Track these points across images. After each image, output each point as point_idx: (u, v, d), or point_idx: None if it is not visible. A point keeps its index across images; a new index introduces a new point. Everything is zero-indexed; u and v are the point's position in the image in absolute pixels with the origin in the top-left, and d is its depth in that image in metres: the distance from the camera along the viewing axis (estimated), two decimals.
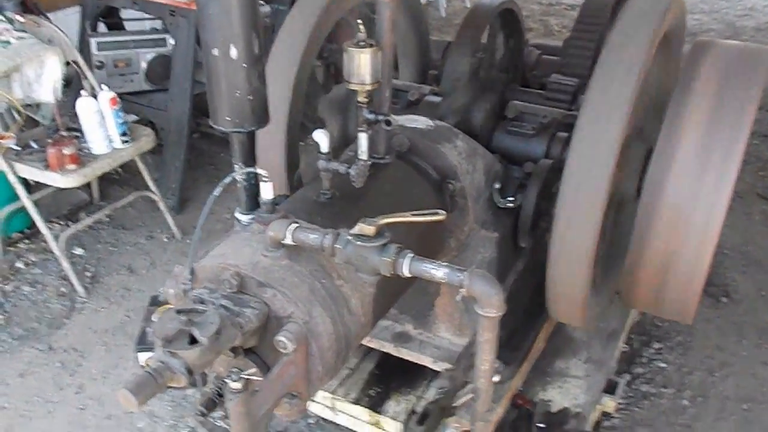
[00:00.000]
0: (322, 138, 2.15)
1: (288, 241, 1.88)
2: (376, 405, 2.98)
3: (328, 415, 3.09)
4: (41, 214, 4.11)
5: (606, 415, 3.27)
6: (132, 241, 4.69)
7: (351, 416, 3.01)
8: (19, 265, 4.42)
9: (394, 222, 1.81)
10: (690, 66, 2.51)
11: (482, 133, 3.05)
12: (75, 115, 4.05)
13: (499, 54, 3.62)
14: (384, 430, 2.95)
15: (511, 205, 2.78)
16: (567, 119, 3.06)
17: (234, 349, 1.90)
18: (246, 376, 1.69)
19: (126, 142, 4.14)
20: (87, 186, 4.84)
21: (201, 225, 1.96)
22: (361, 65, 2.19)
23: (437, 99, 3.16)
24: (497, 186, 2.79)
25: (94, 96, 4.04)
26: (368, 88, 2.23)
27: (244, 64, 1.97)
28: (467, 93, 3.10)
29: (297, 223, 1.90)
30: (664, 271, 2.51)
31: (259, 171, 1.99)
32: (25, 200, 4.05)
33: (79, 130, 4.07)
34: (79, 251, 4.54)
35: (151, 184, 4.52)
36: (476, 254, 2.79)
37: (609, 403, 3.15)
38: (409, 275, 1.78)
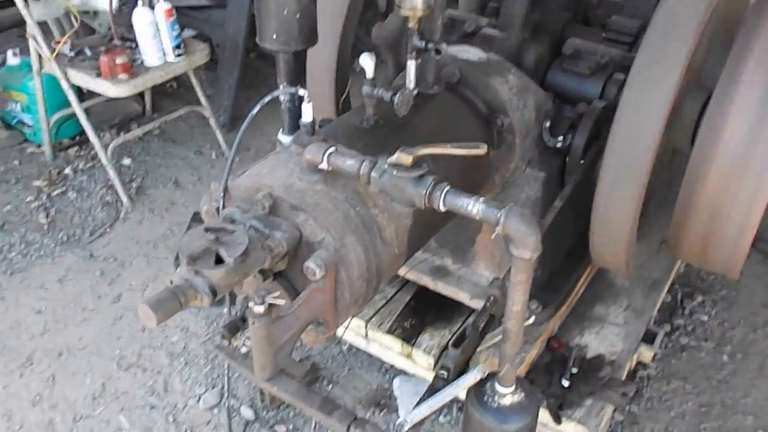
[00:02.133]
0: (367, 62, 2.08)
1: (324, 165, 1.84)
2: (409, 337, 2.96)
3: (360, 343, 3.09)
4: (92, 122, 4.14)
5: (642, 364, 3.22)
6: (180, 155, 4.71)
7: (383, 346, 3.01)
8: (68, 171, 4.49)
9: (432, 153, 1.75)
10: (759, 2, 2.36)
11: (537, 71, 2.94)
12: (132, 26, 4.03)
13: None
14: (416, 362, 2.94)
15: (559, 144, 2.69)
16: (625, 61, 2.92)
17: (263, 272, 1.89)
18: (271, 301, 1.67)
19: (179, 55, 4.13)
20: (140, 97, 4.87)
21: (238, 142, 1.93)
22: None
23: (494, 32, 3.05)
24: (547, 124, 2.69)
25: (152, 7, 4.00)
26: (419, 14, 2.15)
27: None
28: (524, 28, 2.98)
29: (334, 147, 1.85)
30: (713, 222, 2.41)
31: (301, 91, 1.94)
32: (76, 107, 4.09)
33: (134, 41, 4.06)
34: (127, 161, 4.58)
35: (203, 99, 4.50)
36: (521, 192, 2.72)
37: (646, 353, 3.09)
38: (443, 209, 1.73)
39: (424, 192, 1.73)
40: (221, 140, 4.64)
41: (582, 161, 2.70)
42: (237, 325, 1.93)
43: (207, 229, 1.74)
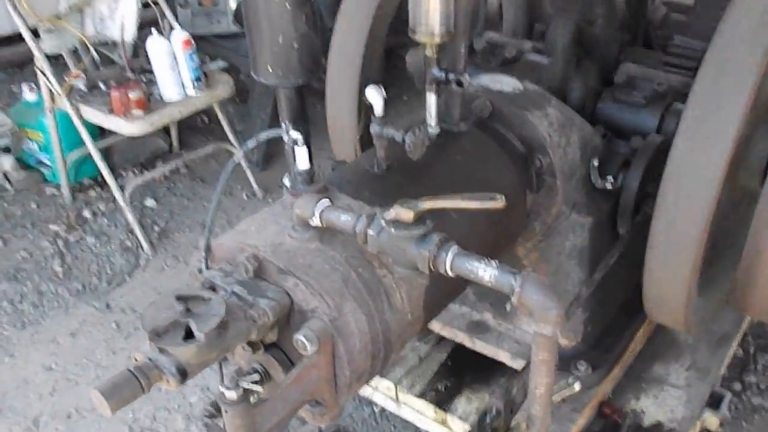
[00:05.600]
0: (375, 97, 1.81)
1: (315, 221, 1.57)
2: (444, 401, 2.66)
3: (391, 406, 2.79)
4: (116, 161, 3.94)
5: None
6: (209, 196, 4.43)
7: (416, 410, 2.71)
8: (87, 214, 4.23)
9: (438, 207, 1.47)
10: None
11: (585, 101, 2.63)
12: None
13: (620, 8, 3.15)
14: (451, 429, 2.63)
15: (609, 186, 2.37)
16: (687, 89, 2.60)
17: (252, 344, 1.63)
18: (247, 386, 1.41)
19: (200, 89, 3.88)
20: (166, 133, 4.62)
21: (218, 194, 1.69)
22: (430, 11, 1.83)
23: (539, 58, 2.76)
24: (595, 163, 2.37)
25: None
26: (438, 40, 1.87)
27: (288, 4, 1.65)
28: (571, 53, 2.68)
29: (328, 200, 1.58)
30: None
31: (293, 133, 1.68)
32: (90, 146, 3.87)
33: (153, 73, 3.85)
34: (150, 203, 4.33)
35: (231, 136, 4.27)
36: (565, 241, 2.41)
37: (711, 419, 2.71)
38: (452, 274, 1.44)
39: (428, 254, 1.44)
40: (252, 180, 4.38)
41: (636, 204, 2.38)
42: None
43: (178, 297, 1.50)
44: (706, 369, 2.78)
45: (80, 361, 3.34)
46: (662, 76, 2.61)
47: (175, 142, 4.74)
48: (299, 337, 1.51)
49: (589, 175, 2.38)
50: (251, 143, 1.71)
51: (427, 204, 1.44)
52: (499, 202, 1.48)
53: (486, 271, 1.38)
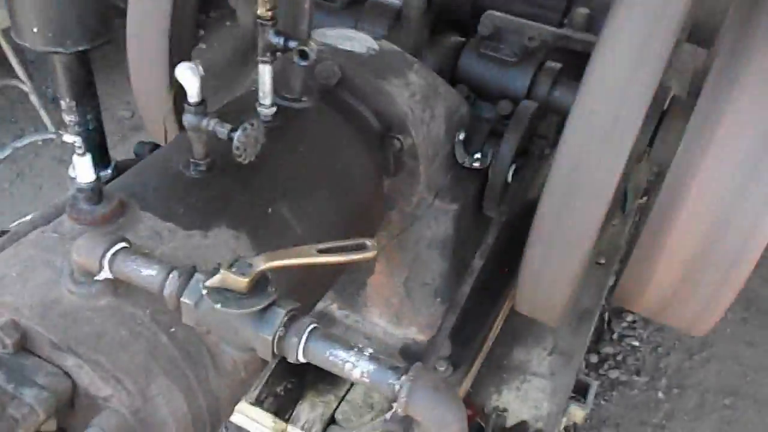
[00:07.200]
0: (188, 77, 1.31)
1: (105, 274, 1.09)
2: (284, 408, 2.27)
3: None
4: None
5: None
6: None
7: (251, 419, 2.30)
8: None
9: (282, 265, 1.02)
10: None
11: (445, 56, 2.23)
12: None
13: None
14: None
15: (477, 165, 2.00)
16: (560, 41, 2.26)
17: None
18: None
19: None
20: None
21: None
22: None
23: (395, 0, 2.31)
24: (461, 137, 1.99)
25: None
26: None
27: None
28: None
29: (123, 242, 1.10)
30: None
31: (67, 137, 1.17)
32: None
33: None
34: None
35: (18, 66, 3.53)
36: (425, 230, 2.03)
37: (578, 413, 2.48)
38: (303, 361, 1.02)
39: (271, 338, 1.01)
40: (46, 119, 3.65)
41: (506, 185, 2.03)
42: None
43: None
44: (569, 352, 2.55)
45: None
46: (534, 28, 2.23)
47: None
48: None
49: (453, 152, 2.00)
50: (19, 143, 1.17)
51: (267, 263, 1.00)
52: (369, 251, 1.05)
53: (357, 365, 0.97)
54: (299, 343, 1.00)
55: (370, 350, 0.98)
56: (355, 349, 0.98)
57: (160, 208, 1.31)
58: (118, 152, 1.69)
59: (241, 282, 0.98)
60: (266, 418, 2.26)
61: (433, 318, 2.21)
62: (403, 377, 0.94)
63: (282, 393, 2.31)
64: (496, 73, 2.20)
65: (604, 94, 1.60)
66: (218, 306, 0.98)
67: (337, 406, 2.28)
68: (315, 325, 1.01)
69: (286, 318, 1.00)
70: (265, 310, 1.00)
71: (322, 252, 1.01)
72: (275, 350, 1.01)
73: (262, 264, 0.99)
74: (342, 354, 0.98)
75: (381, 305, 2.26)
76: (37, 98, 3.65)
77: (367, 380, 0.96)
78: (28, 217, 1.55)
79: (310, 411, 2.27)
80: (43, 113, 3.66)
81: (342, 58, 1.80)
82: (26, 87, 3.60)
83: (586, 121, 1.62)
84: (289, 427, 2.24)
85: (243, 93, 1.73)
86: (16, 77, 3.57)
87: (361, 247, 1.04)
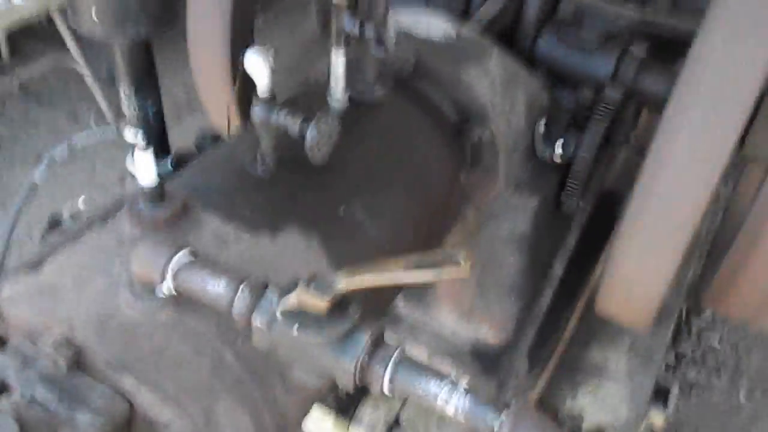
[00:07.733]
0: (259, 67, 1.20)
1: (166, 289, 0.99)
2: (345, 409, 2.17)
3: None
4: None
5: None
6: (47, 121, 3.61)
7: (313, 420, 2.22)
8: None
9: (366, 286, 0.91)
10: None
11: (522, 39, 2.10)
12: None
13: None
14: None
15: (558, 159, 1.87)
16: (643, 26, 2.11)
17: None
18: None
19: None
20: None
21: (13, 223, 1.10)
22: None
23: None
24: (541, 128, 1.86)
25: None
26: None
27: None
28: None
29: (188, 252, 1.00)
30: None
31: (128, 136, 1.08)
32: None
33: None
34: None
35: (74, 49, 3.46)
36: (502, 226, 1.90)
37: (657, 418, 2.34)
38: (389, 394, 0.91)
39: (354, 366, 0.90)
40: (101, 100, 3.59)
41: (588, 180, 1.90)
42: None
43: None
44: (647, 351, 2.40)
45: None
46: (616, 10, 2.08)
47: (4, 53, 3.79)
48: None
49: (533, 143, 1.87)
50: (58, 153, 1.10)
51: (348, 282, 0.88)
52: (463, 268, 0.93)
53: (450, 399, 0.86)
54: (384, 374, 0.88)
55: (465, 383, 0.86)
56: (448, 381, 0.86)
57: (223, 210, 1.21)
58: (174, 134, 1.59)
59: (321, 305, 0.87)
60: (326, 419, 2.18)
61: (506, 316, 2.09)
62: (503, 415, 0.83)
63: (344, 395, 2.22)
64: (577, 58, 2.06)
65: (711, 78, 1.45)
66: (295, 332, 0.87)
67: (401, 408, 2.19)
68: (401, 351, 0.90)
69: (369, 344, 0.89)
70: (346, 335, 0.89)
71: (408, 267, 0.90)
72: (357, 381, 0.90)
73: (344, 284, 0.88)
74: (433, 388, 0.87)
75: (451, 303, 2.14)
76: (93, 80, 3.60)
77: (461, 415, 0.85)
78: (81, 205, 1.48)
79: (373, 412, 2.18)
80: (97, 93, 3.60)
81: (417, 44, 1.68)
82: (82, 68, 3.54)
83: (690, 107, 1.47)
84: (351, 428, 2.15)
85: (311, 83, 1.62)
86: (71, 58, 3.51)
87: (452, 259, 0.92)
